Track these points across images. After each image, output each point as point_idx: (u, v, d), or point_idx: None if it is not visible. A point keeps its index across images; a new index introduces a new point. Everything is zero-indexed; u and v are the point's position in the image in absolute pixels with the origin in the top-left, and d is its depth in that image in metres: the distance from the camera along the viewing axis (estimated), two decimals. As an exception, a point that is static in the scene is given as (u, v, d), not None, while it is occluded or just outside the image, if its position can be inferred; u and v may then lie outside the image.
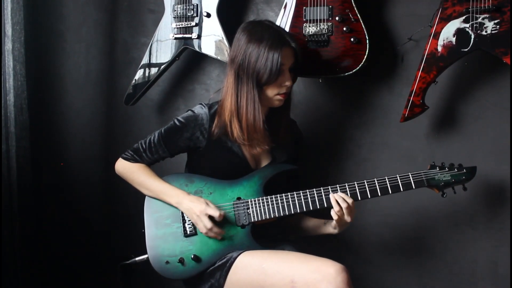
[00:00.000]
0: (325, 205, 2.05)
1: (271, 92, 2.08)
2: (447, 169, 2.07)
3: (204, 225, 2.04)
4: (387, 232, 2.52)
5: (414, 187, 2.05)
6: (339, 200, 2.02)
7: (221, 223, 2.06)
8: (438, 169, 2.07)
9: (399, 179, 2.04)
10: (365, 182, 2.05)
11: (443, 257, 2.44)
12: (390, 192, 2.04)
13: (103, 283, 2.91)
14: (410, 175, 2.05)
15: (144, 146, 2.19)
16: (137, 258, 2.20)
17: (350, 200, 2.02)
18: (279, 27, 2.14)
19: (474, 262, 2.40)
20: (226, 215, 2.09)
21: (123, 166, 2.23)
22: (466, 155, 2.27)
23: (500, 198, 2.33)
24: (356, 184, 2.05)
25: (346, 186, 2.05)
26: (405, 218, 2.48)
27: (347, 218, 2.04)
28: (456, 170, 2.06)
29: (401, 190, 2.04)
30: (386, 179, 2.04)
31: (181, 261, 2.06)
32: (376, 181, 2.04)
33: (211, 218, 2.04)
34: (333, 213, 2.03)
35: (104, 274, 2.89)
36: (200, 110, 2.15)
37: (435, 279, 2.46)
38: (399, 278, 2.52)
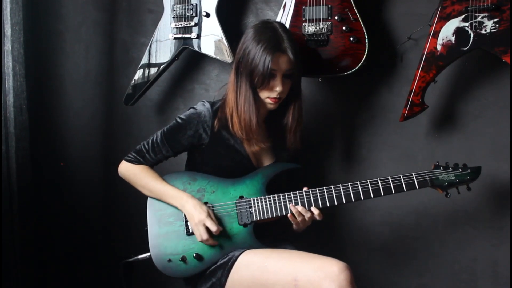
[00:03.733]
0: (328, 204, 2.05)
1: (263, 94, 2.09)
2: (451, 169, 2.05)
3: (200, 234, 2.05)
4: (388, 231, 2.52)
5: (417, 187, 2.03)
6: (302, 211, 2.06)
7: (223, 222, 2.08)
8: (442, 169, 2.05)
9: (402, 179, 2.03)
10: (368, 182, 2.04)
11: (443, 256, 2.45)
12: (393, 192, 2.03)
13: (103, 282, 2.91)
14: (413, 175, 2.04)
15: (147, 146, 2.19)
16: (139, 256, 2.21)
17: (316, 211, 2.06)
18: (285, 31, 2.08)
19: (474, 261, 2.41)
20: (229, 214, 2.10)
21: (126, 169, 2.23)
22: (466, 154, 2.27)
23: (500, 197, 2.33)
24: (359, 184, 2.04)
25: (349, 185, 2.05)
26: (405, 218, 2.48)
27: (308, 223, 2.10)
28: (460, 170, 2.05)
29: (405, 190, 2.03)
30: (390, 179, 2.04)
31: (183, 259, 2.07)
32: (379, 181, 2.04)
33: (208, 229, 2.06)
34: (296, 223, 2.09)
35: (104, 273, 2.89)
36: (202, 107, 2.16)
37: (435, 278, 2.46)
38: (399, 277, 2.52)
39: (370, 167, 2.50)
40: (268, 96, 2.08)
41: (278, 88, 2.06)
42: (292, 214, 2.06)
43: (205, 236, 2.04)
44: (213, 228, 2.04)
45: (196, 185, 2.14)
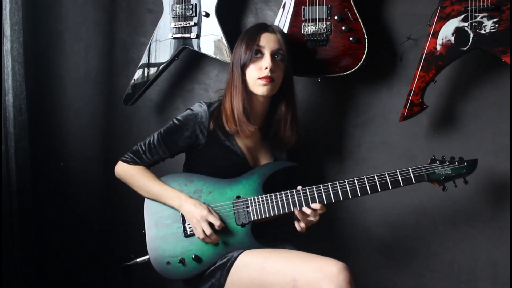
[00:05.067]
0: (325, 203, 2.05)
1: (252, 76, 2.09)
2: (447, 163, 2.05)
3: (203, 230, 2.04)
4: (387, 231, 2.52)
5: (414, 182, 2.03)
6: (305, 209, 2.05)
7: (217, 231, 2.07)
8: (438, 163, 2.05)
9: (399, 174, 2.03)
10: (365, 178, 2.04)
11: (443, 256, 2.45)
12: (390, 188, 2.03)
13: (103, 283, 2.91)
14: (410, 170, 2.03)
15: (143, 147, 2.19)
16: (138, 259, 2.21)
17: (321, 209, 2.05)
18: (273, 25, 2.20)
19: (474, 261, 2.40)
20: (226, 215, 2.09)
21: (122, 169, 2.23)
22: (466, 154, 2.25)
23: (500, 197, 2.33)
24: (355, 180, 2.04)
25: (346, 182, 2.04)
26: (405, 217, 2.48)
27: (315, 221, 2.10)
28: (456, 163, 2.05)
29: (401, 185, 2.03)
30: (386, 174, 2.03)
31: (182, 261, 2.07)
32: (376, 176, 2.03)
33: (211, 225, 2.05)
34: (298, 227, 2.08)
35: (104, 274, 2.89)
36: (199, 108, 2.16)
37: (435, 278, 2.46)
38: (398, 277, 2.52)
39: (369, 167, 2.49)
40: (259, 77, 2.09)
41: (266, 63, 2.07)
42: (302, 213, 2.06)
43: (209, 231, 2.03)
44: (217, 222, 2.04)
45: (192, 186, 2.14)
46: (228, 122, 2.12)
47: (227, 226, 2.08)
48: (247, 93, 2.12)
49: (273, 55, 2.10)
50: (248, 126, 2.11)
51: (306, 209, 2.04)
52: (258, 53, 2.09)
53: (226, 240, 2.08)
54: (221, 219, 2.07)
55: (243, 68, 2.10)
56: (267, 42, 2.09)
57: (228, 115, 2.12)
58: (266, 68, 2.07)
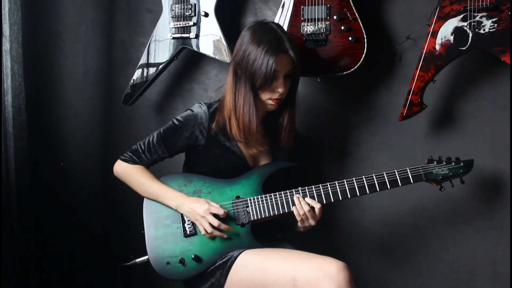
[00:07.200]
0: (324, 202, 2.05)
1: (264, 96, 2.08)
2: (444, 163, 2.07)
3: (210, 224, 2.04)
4: (386, 230, 2.52)
5: (412, 182, 2.04)
6: (302, 203, 2.04)
7: (222, 221, 2.06)
8: (435, 163, 2.07)
9: (397, 174, 2.04)
10: (364, 178, 2.04)
11: (442, 255, 2.45)
12: (389, 187, 2.04)
13: (102, 283, 2.91)
14: (408, 170, 2.04)
15: (143, 147, 2.19)
16: (137, 260, 2.20)
17: (317, 205, 2.04)
18: (283, 32, 2.09)
19: (473, 260, 2.41)
20: (227, 214, 2.09)
21: (121, 168, 2.22)
22: (465, 153, 2.26)
23: (499, 197, 2.33)
24: (354, 180, 2.05)
25: (345, 182, 2.05)
26: (404, 217, 2.48)
27: (311, 221, 2.06)
28: (453, 163, 2.07)
29: (400, 184, 2.04)
30: (384, 174, 2.04)
31: (182, 261, 2.06)
32: (374, 176, 2.04)
33: (215, 216, 2.05)
34: (297, 215, 2.05)
35: (103, 274, 2.89)
36: (199, 109, 2.15)
37: (434, 278, 2.46)
38: (398, 276, 2.52)
39: (369, 167, 2.49)
40: (270, 97, 2.08)
41: (281, 89, 2.06)
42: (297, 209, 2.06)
43: (216, 222, 2.03)
44: (220, 211, 2.04)
45: (192, 186, 2.14)
46: (232, 131, 2.11)
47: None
48: (256, 105, 2.10)
49: (285, 76, 2.08)
50: (258, 146, 2.13)
51: (302, 201, 2.05)
52: (273, 77, 2.04)
53: (226, 240, 2.08)
54: (221, 207, 2.07)
55: (256, 88, 2.07)
56: (282, 65, 2.04)
57: (232, 124, 2.11)
58: (279, 92, 2.07)
